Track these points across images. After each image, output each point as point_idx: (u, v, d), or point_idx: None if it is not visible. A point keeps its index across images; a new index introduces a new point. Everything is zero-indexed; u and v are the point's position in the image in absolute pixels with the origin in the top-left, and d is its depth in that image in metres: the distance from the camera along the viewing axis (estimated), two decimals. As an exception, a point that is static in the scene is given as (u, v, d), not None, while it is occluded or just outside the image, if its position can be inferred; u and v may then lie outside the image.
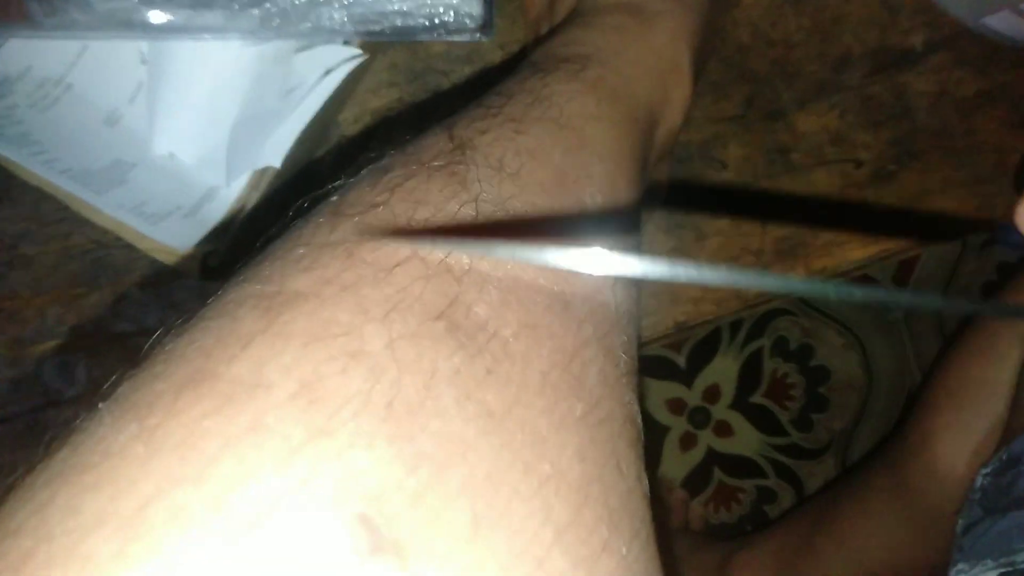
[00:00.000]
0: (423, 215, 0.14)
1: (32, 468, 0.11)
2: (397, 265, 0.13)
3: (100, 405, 0.12)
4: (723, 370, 0.76)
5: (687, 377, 0.76)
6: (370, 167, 0.16)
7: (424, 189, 0.15)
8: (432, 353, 0.12)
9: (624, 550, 0.12)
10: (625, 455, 0.14)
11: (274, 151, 0.31)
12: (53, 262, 0.36)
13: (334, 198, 0.15)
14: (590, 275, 0.17)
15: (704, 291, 0.38)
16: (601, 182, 0.19)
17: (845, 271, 0.39)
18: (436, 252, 0.13)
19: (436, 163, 0.15)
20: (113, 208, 0.30)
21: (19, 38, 0.31)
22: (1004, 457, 0.40)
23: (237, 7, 0.29)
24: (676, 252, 0.38)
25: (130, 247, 0.34)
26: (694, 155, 0.38)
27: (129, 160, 0.32)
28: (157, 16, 0.30)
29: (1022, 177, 0.39)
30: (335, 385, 0.11)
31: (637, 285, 0.21)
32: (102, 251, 0.36)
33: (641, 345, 0.39)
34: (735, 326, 0.76)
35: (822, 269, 0.39)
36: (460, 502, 0.11)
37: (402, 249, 0.13)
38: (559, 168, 0.18)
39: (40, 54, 0.32)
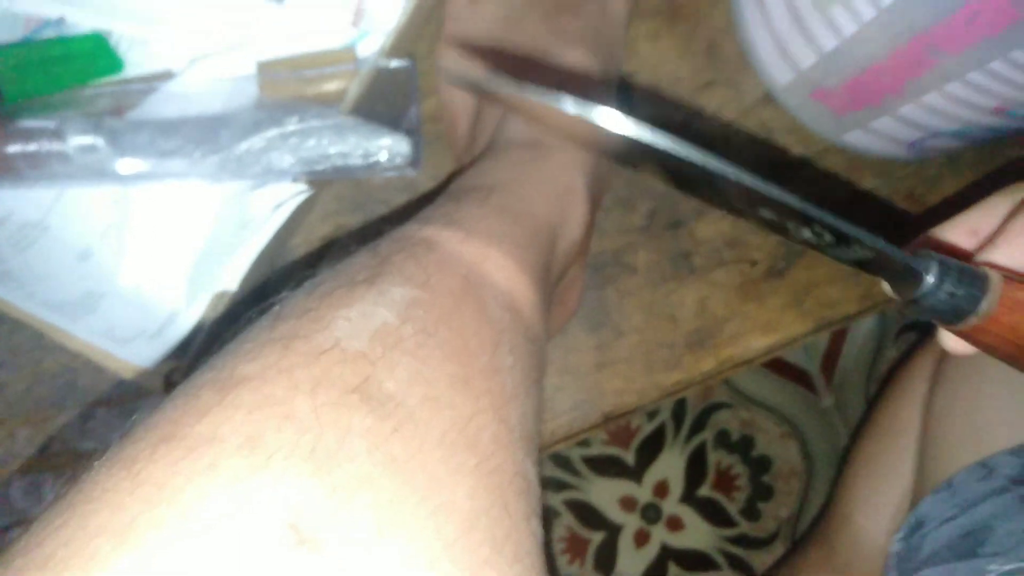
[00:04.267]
0: (344, 316, 0.18)
1: (44, 509, 0.15)
2: (323, 353, 0.17)
3: (95, 463, 0.15)
4: (670, 465, 0.79)
5: (637, 474, 0.79)
6: (308, 282, 0.20)
7: (348, 296, 0.19)
8: (348, 416, 0.16)
9: (507, 569, 0.16)
10: (512, 500, 0.18)
11: (231, 276, 0.35)
12: (25, 387, 0.38)
13: (276, 307, 0.19)
14: (489, 359, 0.21)
15: (626, 383, 0.43)
16: (504, 288, 0.24)
17: (751, 358, 0.44)
18: (355, 343, 0.17)
19: (359, 277, 0.20)
20: (85, 334, 0.33)
21: (2, 188, 0.36)
22: (912, 521, 0.43)
23: (199, 155, 0.34)
24: (598, 349, 0.42)
25: (97, 371, 0.37)
26: (608, 262, 0.43)
27: (99, 291, 0.36)
28: (128, 165, 0.34)
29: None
30: (271, 438, 0.15)
31: (540, 380, 0.25)
32: (71, 375, 0.39)
33: (572, 435, 0.43)
34: (678, 421, 0.80)
35: (729, 357, 0.43)
36: (366, 515, 0.14)
37: (326, 342, 0.17)
38: (466, 277, 0.22)
39: (21, 200, 0.36)
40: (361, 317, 0.18)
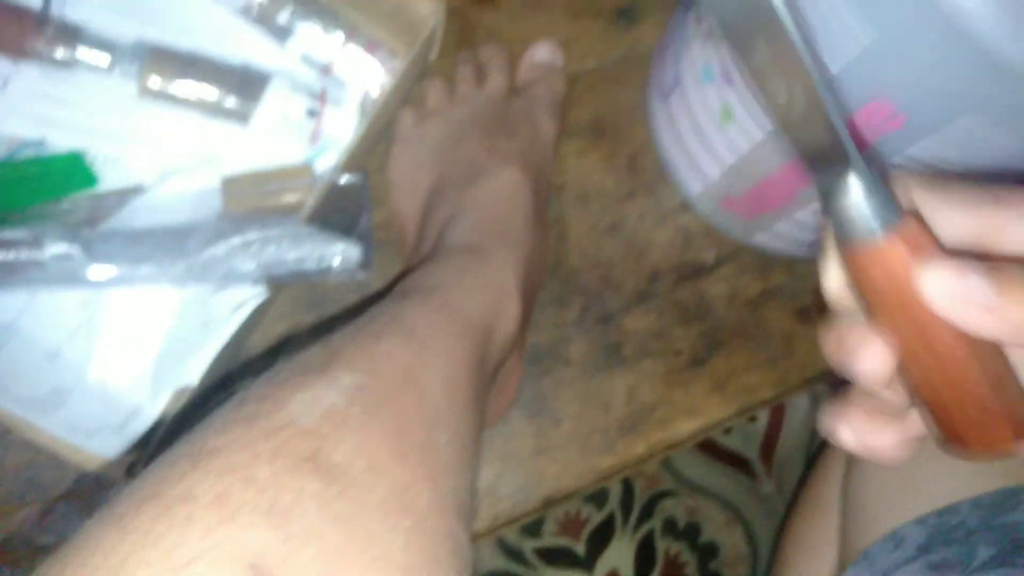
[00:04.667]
0: (299, 399, 0.21)
1: (46, 559, 0.17)
2: (280, 429, 0.20)
3: (86, 522, 0.18)
4: (620, 554, 0.81)
5: (588, 564, 0.81)
6: (268, 371, 0.23)
7: (302, 382, 0.22)
8: (300, 480, 0.19)
9: None
10: (444, 557, 0.21)
11: (192, 372, 0.37)
12: (-12, 482, 0.40)
13: (240, 393, 0.22)
14: (426, 436, 0.24)
15: (564, 468, 0.46)
16: (442, 375, 0.27)
17: (679, 441, 0.47)
18: (308, 421, 0.20)
19: (313, 365, 0.23)
20: (52, 427, 0.35)
21: (-21, 293, 0.38)
22: (835, 595, 0.46)
23: (166, 261, 0.38)
24: (536, 436, 0.46)
25: (58, 466, 0.40)
26: (544, 354, 0.47)
27: (67, 387, 0.38)
28: (100, 272, 0.37)
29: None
30: (236, 497, 0.18)
31: (475, 456, 0.28)
32: (32, 471, 0.41)
33: (515, 519, 0.45)
34: (627, 510, 0.82)
35: (659, 441, 0.47)
36: (315, 562, 0.17)
37: (283, 420, 0.20)
38: (407, 366, 0.26)
39: (12, 301, 0.38)
40: (313, 399, 0.21)
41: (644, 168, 0.50)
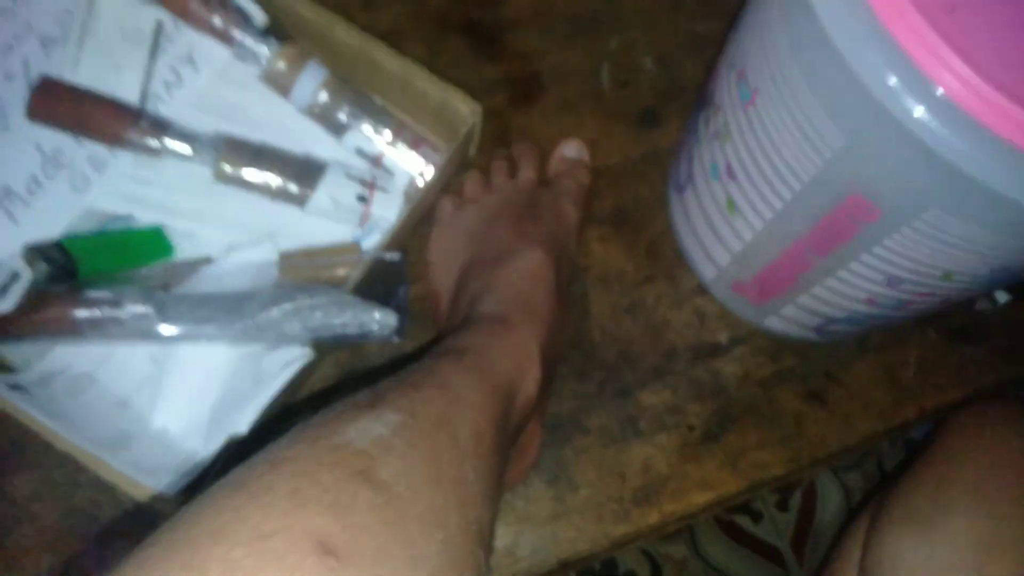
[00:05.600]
0: (353, 427, 0.26)
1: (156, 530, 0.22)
2: (337, 448, 0.24)
3: (184, 507, 0.23)
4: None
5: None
6: (324, 408, 0.28)
7: (355, 415, 0.27)
8: (355, 487, 0.23)
9: None
10: (468, 568, 0.25)
11: (243, 421, 0.42)
12: (56, 518, 0.45)
13: (301, 423, 0.27)
14: (456, 471, 0.28)
15: (579, 533, 0.48)
16: (471, 423, 0.31)
17: (692, 513, 0.50)
18: (360, 444, 0.25)
19: (362, 404, 0.28)
20: (118, 465, 0.40)
21: (65, 345, 0.44)
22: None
23: (227, 322, 0.43)
24: (554, 500, 0.48)
25: (119, 506, 0.44)
26: (565, 422, 0.50)
27: (132, 432, 0.43)
28: (168, 329, 0.43)
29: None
30: (306, 492, 0.22)
31: (496, 499, 0.31)
32: (96, 510, 0.45)
33: (531, 578, 0.47)
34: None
35: (672, 512, 0.49)
36: (368, 547, 0.22)
37: (340, 441, 0.25)
38: (441, 412, 0.30)
39: (79, 356, 0.44)
40: (364, 429, 0.26)
41: (663, 254, 0.54)
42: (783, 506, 0.89)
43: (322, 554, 0.21)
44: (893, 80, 0.30)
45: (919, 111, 0.30)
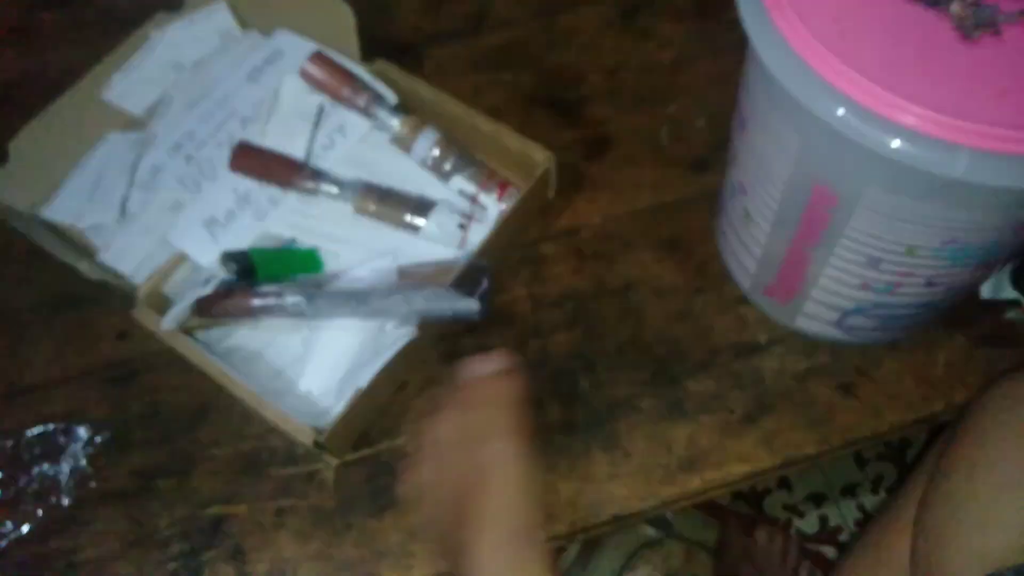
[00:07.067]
0: None
1: None
2: None
3: None
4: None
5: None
6: None
7: None
8: None
9: None
10: None
11: (365, 379, 0.56)
12: (230, 456, 0.60)
13: None
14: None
15: (631, 491, 0.57)
16: None
17: (731, 482, 0.58)
18: None
19: None
20: (277, 406, 0.55)
21: (244, 328, 0.60)
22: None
23: (358, 308, 0.57)
24: (610, 464, 0.58)
25: (273, 453, 0.58)
26: (620, 404, 0.60)
27: (285, 390, 0.58)
28: (317, 314, 0.58)
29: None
30: None
31: None
32: (256, 450, 0.60)
33: (588, 528, 0.57)
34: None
35: (712, 479, 0.57)
36: None
37: None
38: None
39: (251, 338, 0.60)
40: None
41: (710, 272, 0.65)
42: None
43: None
44: (815, 92, 0.41)
45: (839, 111, 0.40)
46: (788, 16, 0.42)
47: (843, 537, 0.92)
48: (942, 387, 0.60)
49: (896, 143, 0.39)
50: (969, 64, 0.39)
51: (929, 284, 0.51)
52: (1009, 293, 0.63)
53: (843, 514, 0.93)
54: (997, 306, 0.63)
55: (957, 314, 0.60)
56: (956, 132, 0.37)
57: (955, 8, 0.40)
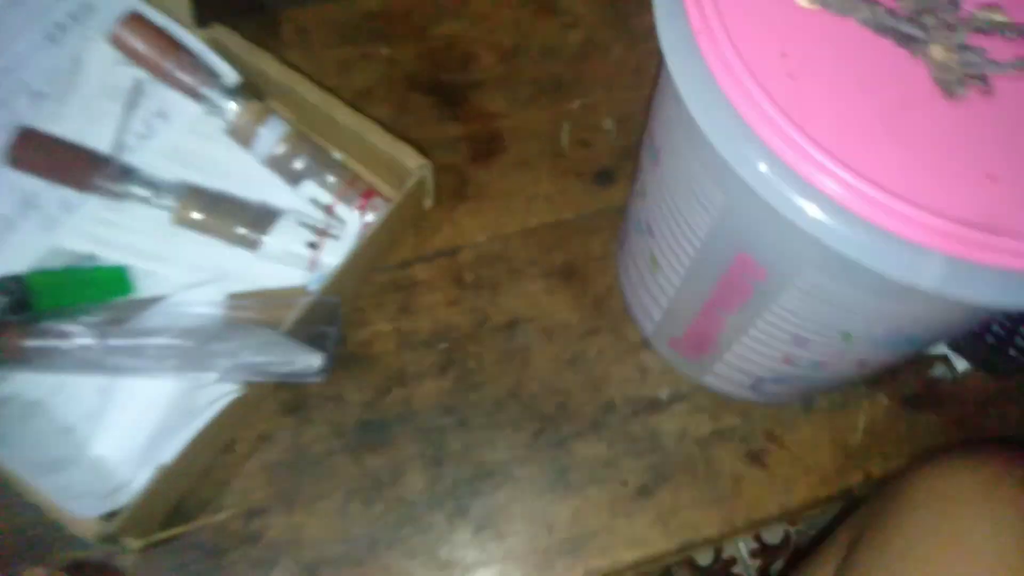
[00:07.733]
0: None
1: None
2: None
3: None
4: None
5: None
6: None
7: None
8: None
9: None
10: None
11: (170, 452, 0.44)
12: (5, 533, 0.47)
13: None
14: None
15: (502, 580, 0.48)
16: None
17: (617, 571, 0.49)
18: None
19: None
20: (45, 488, 0.42)
21: (13, 372, 0.47)
22: None
23: (167, 357, 0.45)
24: (480, 548, 0.49)
25: (58, 525, 0.46)
26: (495, 472, 0.50)
27: (70, 457, 0.46)
28: (115, 362, 0.45)
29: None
30: None
31: None
32: (39, 527, 0.48)
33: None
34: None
35: (597, 567, 0.49)
36: None
37: None
38: None
39: (31, 383, 0.47)
40: None
41: (610, 309, 0.55)
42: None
43: None
44: (739, 144, 0.31)
45: (762, 169, 0.30)
46: (718, 43, 0.31)
47: (737, 569, 0.87)
48: (859, 458, 0.53)
49: (843, 232, 0.29)
50: (948, 132, 0.30)
51: (861, 364, 0.42)
52: (938, 348, 0.56)
53: (738, 545, 0.88)
54: (924, 360, 0.56)
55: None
56: (925, 231, 0.28)
57: (935, 53, 0.30)
